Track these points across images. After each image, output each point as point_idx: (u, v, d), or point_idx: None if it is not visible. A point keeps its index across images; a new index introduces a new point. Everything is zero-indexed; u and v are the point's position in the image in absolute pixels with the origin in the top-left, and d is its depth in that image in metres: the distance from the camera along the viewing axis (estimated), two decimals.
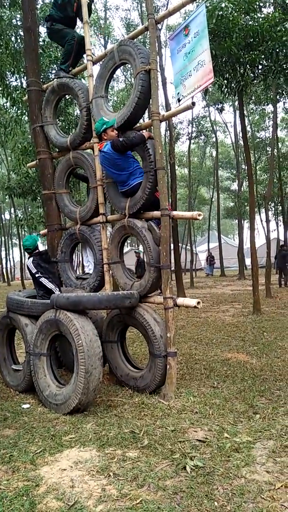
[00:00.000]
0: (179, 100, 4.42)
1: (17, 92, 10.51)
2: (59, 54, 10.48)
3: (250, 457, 2.76)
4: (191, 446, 2.94)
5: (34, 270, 4.74)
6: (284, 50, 8.04)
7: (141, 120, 5.04)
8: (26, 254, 5.13)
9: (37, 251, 4.98)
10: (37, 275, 4.73)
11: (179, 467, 2.65)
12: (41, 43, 10.24)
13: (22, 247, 5.11)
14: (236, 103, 18.67)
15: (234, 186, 31.57)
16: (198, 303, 3.99)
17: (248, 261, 27.20)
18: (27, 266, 4.89)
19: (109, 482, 2.51)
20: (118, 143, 4.24)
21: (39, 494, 2.41)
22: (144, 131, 4.45)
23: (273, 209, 25.18)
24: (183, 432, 3.18)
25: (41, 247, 5.60)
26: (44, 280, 4.72)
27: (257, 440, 3.02)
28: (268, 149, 22.15)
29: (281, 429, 3.17)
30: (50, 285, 4.71)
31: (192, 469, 2.61)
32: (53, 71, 10.73)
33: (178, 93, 4.43)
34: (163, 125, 16.20)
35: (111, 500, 2.32)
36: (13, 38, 10.50)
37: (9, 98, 10.33)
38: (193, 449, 2.89)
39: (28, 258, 4.93)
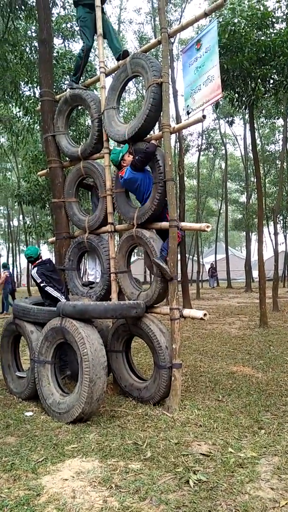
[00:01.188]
0: (188, 113, 4.47)
1: (30, 101, 10.69)
2: (72, 66, 10.68)
3: (254, 473, 2.72)
4: (194, 459, 2.90)
5: (39, 280, 4.78)
6: None
7: (151, 132, 5.08)
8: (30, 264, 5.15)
9: (40, 260, 5.02)
10: (42, 285, 4.77)
11: (182, 481, 2.62)
12: (55, 54, 10.43)
13: (25, 256, 5.14)
14: (247, 116, 18.80)
15: (243, 199, 31.58)
16: (205, 315, 3.98)
17: (255, 274, 27.07)
18: (32, 276, 4.93)
19: (111, 494, 2.49)
20: (135, 162, 4.38)
21: (40, 503, 2.39)
22: (153, 141, 4.48)
23: (282, 222, 25.11)
24: (187, 445, 3.15)
25: (49, 255, 5.64)
26: (49, 289, 4.74)
27: (262, 456, 2.97)
28: (277, 162, 22.16)
29: (287, 445, 3.12)
30: (55, 293, 4.73)
31: (195, 483, 2.58)
32: (66, 82, 10.91)
33: (188, 105, 4.48)
34: (173, 136, 16.32)
35: None
36: (27, 49, 10.71)
37: (22, 108, 10.50)
38: (197, 463, 2.86)
39: (33, 268, 4.96)
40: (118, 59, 5.05)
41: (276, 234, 14.96)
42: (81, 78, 5.61)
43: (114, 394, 4.66)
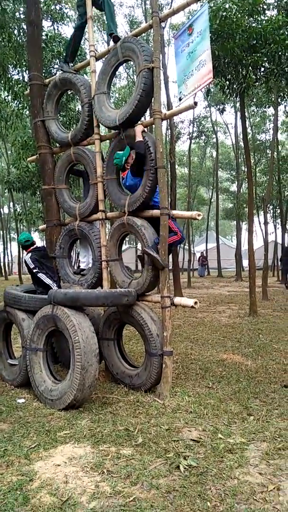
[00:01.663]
0: (180, 99, 4.42)
1: (19, 86, 10.46)
2: (62, 49, 10.46)
3: (243, 458, 2.76)
4: (185, 445, 2.94)
5: (32, 265, 4.74)
6: (287, 53, 8.04)
7: (142, 118, 5.03)
8: (24, 250, 5.10)
9: (34, 246, 4.98)
10: (34, 271, 4.73)
11: (172, 466, 2.65)
12: (44, 37, 10.19)
13: (18, 242, 5.10)
14: (238, 104, 18.69)
15: (234, 188, 31.62)
16: (195, 303, 4.00)
17: (245, 263, 27.26)
18: (25, 261, 4.88)
19: (103, 479, 2.52)
20: (133, 168, 4.43)
21: (32, 489, 2.41)
22: (138, 127, 4.43)
23: (272, 211, 25.23)
24: (178, 431, 3.19)
25: (40, 243, 5.60)
26: (41, 276, 4.71)
27: (250, 442, 3.03)
28: (268, 151, 22.17)
29: (275, 431, 3.18)
30: (47, 280, 4.70)
31: (186, 468, 2.62)
32: (56, 66, 10.70)
33: (181, 92, 4.43)
34: (164, 124, 16.21)
35: (104, 497, 2.32)
36: (16, 32, 10.44)
37: (10, 92, 10.28)
38: (187, 448, 2.90)
39: (26, 254, 4.92)
40: (110, 35, 4.91)
41: (266, 223, 15.05)
42: (73, 61, 5.49)
43: (106, 381, 4.68)
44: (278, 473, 2.58)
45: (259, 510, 2.19)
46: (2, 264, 30.84)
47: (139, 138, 4.31)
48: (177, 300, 4.22)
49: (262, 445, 2.96)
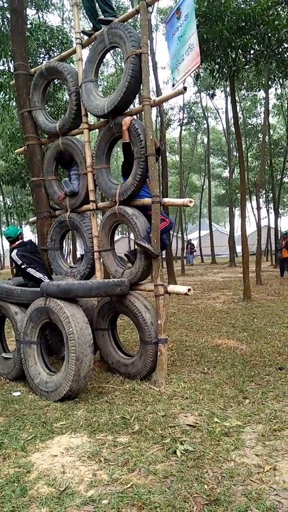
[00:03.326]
0: (173, 85, 4.36)
1: (5, 76, 10.25)
2: (47, 38, 10.26)
3: (239, 441, 2.80)
4: (181, 431, 2.97)
5: (19, 262, 4.70)
6: (276, 35, 7.94)
7: (131, 106, 4.96)
8: (10, 245, 5.03)
9: (20, 241, 4.93)
10: (23, 266, 4.69)
11: (169, 452, 2.68)
12: (28, 25, 9.97)
13: (4, 235, 5.04)
14: (228, 88, 18.53)
15: (226, 173, 31.55)
16: (189, 290, 4.00)
17: (239, 249, 27.34)
18: (12, 258, 4.84)
19: (100, 467, 2.54)
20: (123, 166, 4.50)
21: (30, 480, 2.42)
22: (125, 118, 4.36)
23: (264, 196, 25.22)
24: (174, 417, 3.22)
25: (31, 236, 5.55)
26: (31, 270, 4.68)
27: (246, 424, 3.06)
28: (259, 135, 22.07)
29: (270, 413, 3.22)
30: (37, 274, 4.67)
31: (182, 453, 2.65)
32: (41, 55, 10.50)
33: (173, 78, 4.37)
34: (154, 110, 16.04)
35: (102, 485, 2.34)
36: None
37: None
38: (184, 434, 2.93)
39: (12, 250, 4.87)
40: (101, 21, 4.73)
41: (258, 208, 15.04)
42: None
43: (101, 371, 4.70)
44: (274, 453, 2.62)
45: (256, 491, 2.22)
46: None
47: (125, 138, 4.31)
48: (171, 287, 4.22)
49: (258, 427, 3.00)
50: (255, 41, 8.21)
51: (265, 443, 2.77)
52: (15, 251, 4.79)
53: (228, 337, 6.06)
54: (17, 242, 4.89)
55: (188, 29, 4.08)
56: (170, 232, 7.00)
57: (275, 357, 4.89)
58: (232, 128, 21.15)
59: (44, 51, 10.59)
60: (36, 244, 5.47)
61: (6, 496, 2.25)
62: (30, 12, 12.09)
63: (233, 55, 8.52)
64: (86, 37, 4.98)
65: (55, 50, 10.49)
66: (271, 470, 2.43)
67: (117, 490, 2.28)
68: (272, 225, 24.31)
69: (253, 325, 6.83)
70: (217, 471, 2.44)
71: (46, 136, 5.58)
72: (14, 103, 11.30)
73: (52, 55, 10.39)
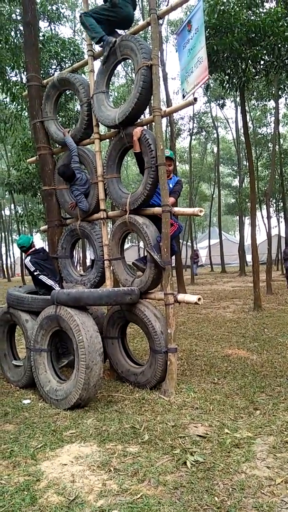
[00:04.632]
0: (183, 96, 4.41)
1: (17, 87, 10.47)
2: (59, 49, 10.46)
3: (250, 452, 2.76)
4: (191, 441, 2.94)
5: (32, 269, 4.74)
6: (286, 46, 8.00)
7: (142, 116, 5.01)
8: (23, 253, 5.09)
9: (33, 249, 4.98)
10: (35, 273, 4.73)
11: (179, 462, 2.66)
12: (41, 38, 10.19)
13: (17, 245, 5.09)
14: (238, 98, 18.61)
15: (235, 183, 31.51)
16: (199, 299, 3.99)
17: (249, 258, 27.19)
18: (25, 265, 4.90)
19: (110, 477, 2.52)
20: None
21: (39, 489, 2.42)
22: (136, 129, 4.41)
23: (274, 205, 25.15)
24: (184, 427, 3.19)
25: (42, 244, 5.60)
26: (43, 277, 4.72)
27: (257, 436, 3.02)
28: (269, 145, 22.07)
29: (282, 425, 3.18)
30: (49, 281, 4.70)
31: (193, 464, 2.62)
32: (53, 66, 10.70)
33: (183, 89, 4.42)
34: (164, 120, 16.15)
35: (111, 495, 2.33)
36: (12, 33, 10.45)
37: (9, 94, 10.29)
38: (194, 444, 2.90)
39: (25, 257, 4.93)
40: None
41: (269, 217, 14.98)
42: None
43: (111, 380, 4.69)
44: (286, 466, 2.58)
45: (267, 504, 2.19)
46: (4, 265, 30.93)
47: (136, 148, 4.34)
48: (181, 297, 4.22)
49: (269, 439, 2.96)
50: (265, 52, 8.28)
51: (276, 455, 2.73)
52: (28, 257, 4.83)
53: (238, 347, 6.01)
54: (30, 250, 4.95)
55: (198, 42, 4.13)
56: (180, 240, 6.99)
57: (286, 367, 4.83)
58: (242, 138, 21.18)
59: (56, 62, 10.80)
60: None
61: (16, 505, 2.25)
62: (43, 24, 12.38)
63: (243, 66, 8.58)
64: (97, 49, 5.05)
65: (66, 61, 10.70)
66: (283, 483, 2.39)
67: (126, 500, 2.26)
68: (283, 234, 24.16)
69: (264, 335, 6.77)
70: (228, 483, 2.41)
71: (58, 146, 5.66)
72: (26, 114, 11.51)
73: (64, 66, 10.59)
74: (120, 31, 4.89)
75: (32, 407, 3.90)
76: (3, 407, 3.92)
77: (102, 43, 4.61)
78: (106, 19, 4.61)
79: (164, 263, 4.15)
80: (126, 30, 5.04)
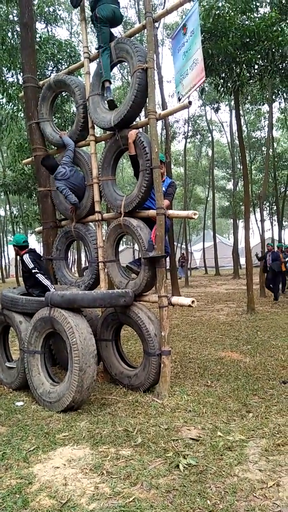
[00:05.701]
0: (179, 99, 4.42)
1: (13, 88, 10.45)
2: (56, 51, 10.45)
3: (243, 455, 2.77)
4: (184, 444, 2.95)
5: (31, 265, 4.67)
6: (280, 50, 8.06)
7: (137, 119, 5.02)
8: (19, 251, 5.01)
9: (29, 248, 4.96)
10: (34, 270, 4.67)
11: (172, 466, 2.66)
12: (37, 39, 10.18)
13: (14, 244, 5.00)
14: (232, 102, 18.70)
15: (230, 186, 31.62)
16: (193, 302, 4.00)
17: (242, 260, 27.30)
18: (24, 260, 4.78)
19: (102, 480, 2.52)
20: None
21: (32, 491, 2.41)
22: (131, 131, 4.42)
23: (268, 208, 25.26)
24: (177, 430, 3.19)
25: (36, 245, 5.57)
26: (40, 276, 4.67)
27: (250, 439, 3.03)
28: (263, 149, 22.19)
29: (274, 427, 3.19)
30: (46, 281, 4.67)
31: (185, 467, 2.62)
32: (50, 68, 10.69)
33: (178, 92, 4.44)
34: (159, 123, 16.16)
35: (104, 498, 2.32)
36: (9, 34, 10.43)
37: (5, 94, 10.27)
38: (186, 447, 2.90)
39: (23, 255, 4.87)
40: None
41: (262, 220, 15.07)
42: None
43: (104, 382, 4.68)
44: (278, 469, 2.59)
45: (259, 507, 2.20)
46: None
47: (131, 151, 4.34)
48: (175, 299, 4.22)
49: (261, 442, 2.97)
50: (259, 56, 8.35)
51: (269, 458, 2.74)
52: (27, 254, 4.78)
53: (231, 349, 6.02)
54: (27, 249, 4.91)
55: (193, 44, 4.16)
56: (174, 243, 6.98)
57: (279, 370, 4.86)
58: (236, 141, 21.27)
59: (53, 64, 10.79)
60: (41, 253, 5.49)
61: (8, 508, 2.24)
62: (40, 26, 12.37)
63: (238, 70, 8.64)
64: (93, 52, 5.07)
65: (63, 63, 10.70)
66: (275, 486, 2.41)
67: (119, 504, 2.26)
68: (276, 237, 24.27)
69: (257, 337, 6.79)
70: (220, 486, 2.42)
71: (53, 147, 5.65)
72: (22, 115, 11.49)
73: (60, 68, 10.58)
74: (116, 34, 4.91)
75: (25, 409, 3.88)
76: None
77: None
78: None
79: (158, 266, 4.16)
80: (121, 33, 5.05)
